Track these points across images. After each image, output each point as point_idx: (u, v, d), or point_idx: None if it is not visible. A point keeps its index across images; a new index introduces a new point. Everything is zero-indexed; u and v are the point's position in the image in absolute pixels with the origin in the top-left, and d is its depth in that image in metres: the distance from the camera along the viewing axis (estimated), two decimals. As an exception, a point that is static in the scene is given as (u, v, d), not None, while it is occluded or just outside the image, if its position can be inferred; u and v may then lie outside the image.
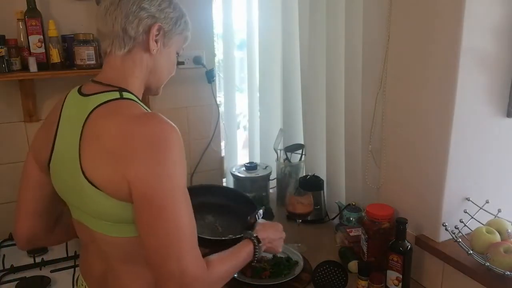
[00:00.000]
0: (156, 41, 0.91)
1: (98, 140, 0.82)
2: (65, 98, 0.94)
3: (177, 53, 1.00)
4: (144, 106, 0.88)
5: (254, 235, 1.06)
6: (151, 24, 0.89)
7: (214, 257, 0.90)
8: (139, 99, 0.91)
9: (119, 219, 0.86)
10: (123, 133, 0.80)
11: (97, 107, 0.85)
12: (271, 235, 1.13)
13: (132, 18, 0.88)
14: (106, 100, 0.85)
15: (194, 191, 0.95)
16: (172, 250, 0.77)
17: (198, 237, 0.84)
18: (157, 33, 0.91)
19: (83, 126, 0.84)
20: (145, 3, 0.89)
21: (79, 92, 0.92)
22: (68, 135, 0.88)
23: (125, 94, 0.88)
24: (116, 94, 0.87)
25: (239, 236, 1.11)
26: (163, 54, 0.95)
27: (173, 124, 0.82)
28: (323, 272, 1.28)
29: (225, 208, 1.40)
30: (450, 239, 1.18)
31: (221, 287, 0.90)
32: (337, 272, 1.28)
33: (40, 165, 0.96)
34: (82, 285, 1.02)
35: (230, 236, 1.17)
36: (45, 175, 0.96)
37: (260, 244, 1.05)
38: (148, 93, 1.00)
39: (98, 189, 0.82)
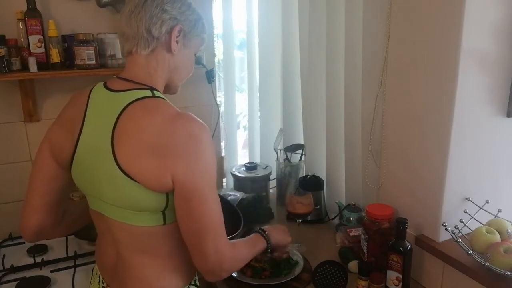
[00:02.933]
0: (177, 42, 0.96)
1: (138, 134, 0.87)
2: (89, 94, 0.97)
3: (195, 54, 1.06)
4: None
5: (268, 237, 1.16)
6: (173, 26, 0.95)
7: (236, 241, 1.06)
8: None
9: (145, 208, 0.91)
10: (165, 130, 0.86)
11: (131, 103, 0.89)
12: (280, 241, 1.22)
13: (155, 19, 0.93)
14: (140, 97, 0.91)
15: None
16: (210, 233, 0.89)
17: None
18: (178, 34, 0.96)
19: (116, 120, 0.89)
20: (167, 5, 0.94)
21: (106, 88, 0.95)
22: (99, 129, 0.92)
23: (156, 93, 0.93)
24: (148, 92, 0.92)
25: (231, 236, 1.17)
26: (183, 54, 1.00)
27: (204, 124, 0.91)
28: (323, 272, 1.29)
29: None
30: (450, 239, 1.18)
31: (239, 268, 1.10)
32: (337, 272, 1.28)
33: (59, 160, 0.99)
34: (96, 274, 1.08)
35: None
36: (62, 169, 1.00)
37: (270, 247, 1.16)
38: (167, 91, 1.05)
39: (133, 179, 0.87)
